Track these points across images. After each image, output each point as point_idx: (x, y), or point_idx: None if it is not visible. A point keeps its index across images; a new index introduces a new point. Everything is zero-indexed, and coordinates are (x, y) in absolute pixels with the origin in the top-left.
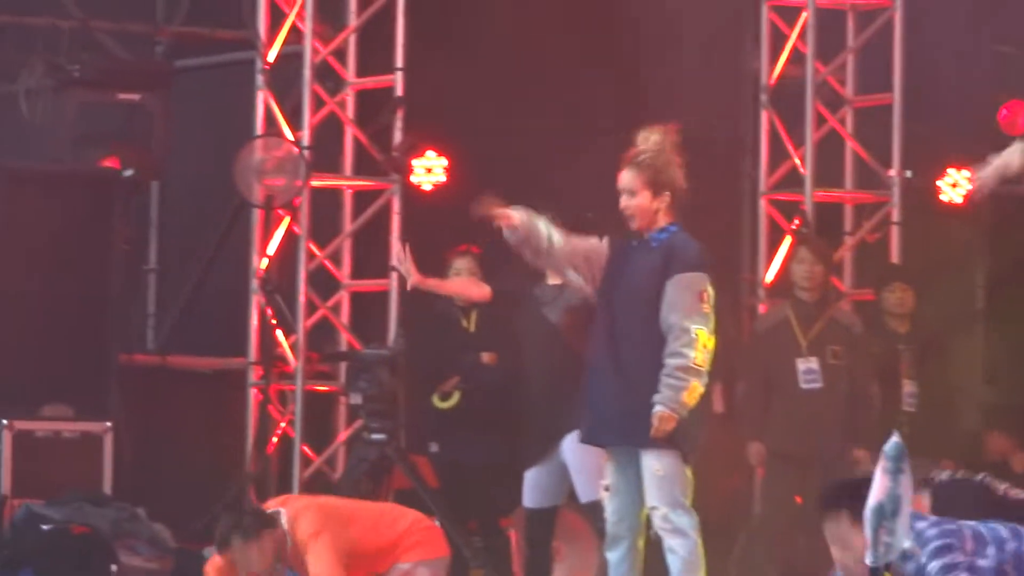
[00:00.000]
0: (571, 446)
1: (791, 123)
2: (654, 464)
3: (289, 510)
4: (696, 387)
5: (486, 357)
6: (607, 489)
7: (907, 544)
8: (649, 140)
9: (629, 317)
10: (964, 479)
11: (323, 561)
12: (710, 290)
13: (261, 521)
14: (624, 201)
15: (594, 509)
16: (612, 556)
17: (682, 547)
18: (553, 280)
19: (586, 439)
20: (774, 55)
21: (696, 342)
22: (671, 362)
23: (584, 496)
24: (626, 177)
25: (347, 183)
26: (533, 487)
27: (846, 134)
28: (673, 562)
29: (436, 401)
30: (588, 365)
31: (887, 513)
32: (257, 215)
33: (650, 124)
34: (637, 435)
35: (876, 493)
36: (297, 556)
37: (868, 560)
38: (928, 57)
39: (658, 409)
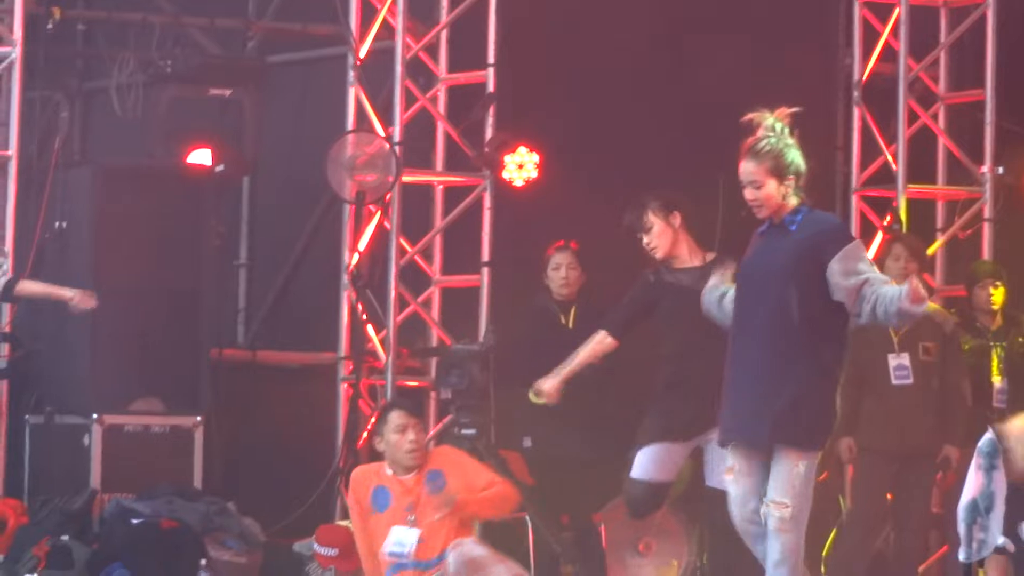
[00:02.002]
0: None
1: (883, 120)
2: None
3: None
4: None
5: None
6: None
7: None
8: (763, 125)
9: (776, 304)
10: None
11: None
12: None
13: None
14: (750, 193)
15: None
16: (759, 550)
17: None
18: (690, 262)
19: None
20: (866, 52)
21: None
22: (886, 292)
23: (711, 480)
24: (747, 168)
25: (438, 179)
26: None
27: (938, 130)
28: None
29: (532, 397)
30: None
31: (981, 510)
32: (348, 210)
33: (751, 115)
34: (764, 434)
35: (970, 490)
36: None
37: (961, 556)
38: (1020, 53)
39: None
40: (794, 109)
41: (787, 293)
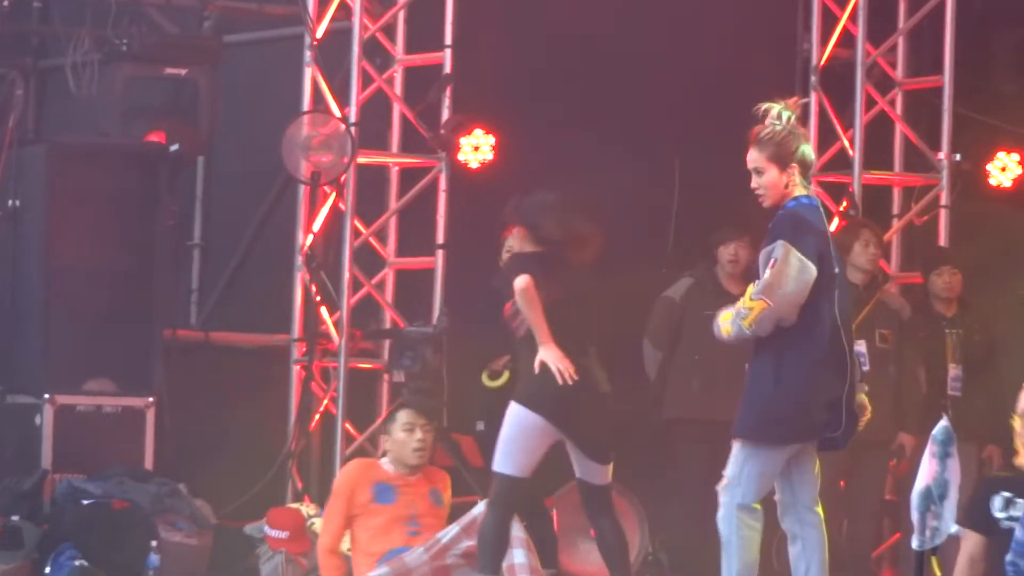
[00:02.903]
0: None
1: (840, 105)
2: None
3: None
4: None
5: None
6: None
7: None
8: (770, 114)
9: None
10: None
11: None
12: (784, 255)
13: None
14: (754, 181)
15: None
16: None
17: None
18: None
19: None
20: (824, 37)
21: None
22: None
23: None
24: (751, 155)
25: (394, 160)
26: None
27: (896, 116)
28: None
29: (485, 380)
30: None
31: (935, 497)
32: (303, 191)
33: (698, 106)
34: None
35: (924, 477)
36: None
37: (914, 544)
38: (979, 40)
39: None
40: (804, 100)
41: None
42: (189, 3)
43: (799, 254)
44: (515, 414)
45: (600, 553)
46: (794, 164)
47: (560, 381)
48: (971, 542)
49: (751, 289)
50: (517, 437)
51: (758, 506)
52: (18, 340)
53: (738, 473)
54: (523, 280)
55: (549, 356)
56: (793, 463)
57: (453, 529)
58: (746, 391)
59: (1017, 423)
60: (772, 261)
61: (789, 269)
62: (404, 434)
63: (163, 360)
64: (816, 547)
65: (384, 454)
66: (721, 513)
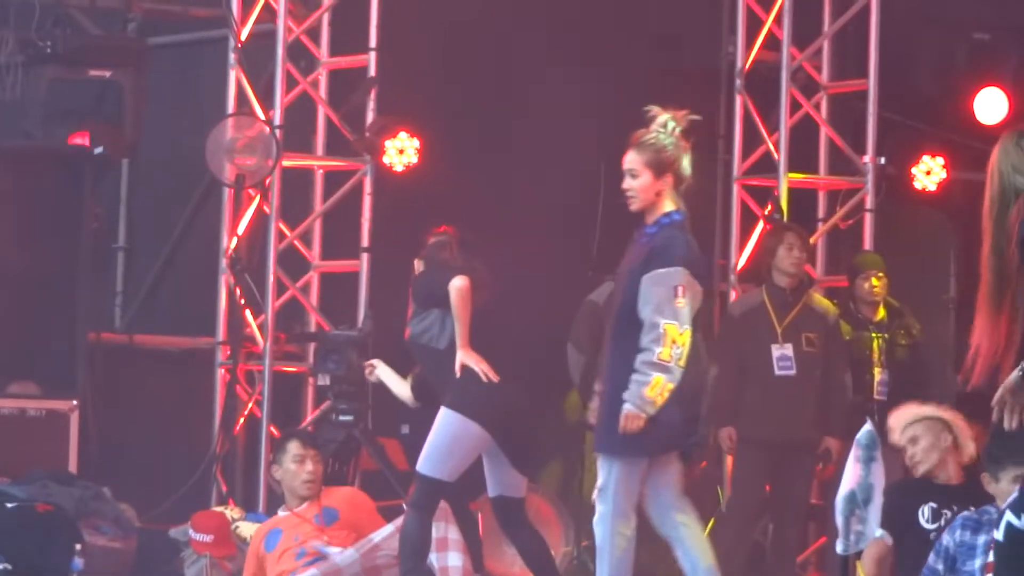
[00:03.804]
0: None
1: (765, 108)
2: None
3: None
4: (659, 381)
5: None
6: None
7: None
8: (657, 121)
9: (618, 318)
10: None
11: None
12: (688, 284)
13: None
14: (626, 182)
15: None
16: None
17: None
18: None
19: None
20: (749, 40)
21: (664, 337)
22: (638, 357)
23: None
24: (629, 158)
25: (318, 163)
26: None
27: (821, 120)
28: None
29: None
30: None
31: (859, 502)
32: (227, 194)
33: (623, 109)
34: (600, 442)
35: (848, 481)
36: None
37: (839, 548)
38: (903, 43)
39: (625, 407)
40: (693, 116)
41: (628, 304)
42: (113, 5)
43: (691, 278)
44: (449, 421)
45: (526, 565)
46: (670, 175)
47: (484, 380)
48: (881, 545)
49: (672, 327)
50: (450, 443)
51: (632, 513)
52: None
53: (607, 483)
54: (462, 279)
55: (470, 359)
56: (655, 470)
57: (387, 529)
58: (606, 406)
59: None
60: (677, 288)
61: (694, 296)
62: (295, 465)
63: (87, 363)
64: (693, 544)
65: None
66: (596, 519)
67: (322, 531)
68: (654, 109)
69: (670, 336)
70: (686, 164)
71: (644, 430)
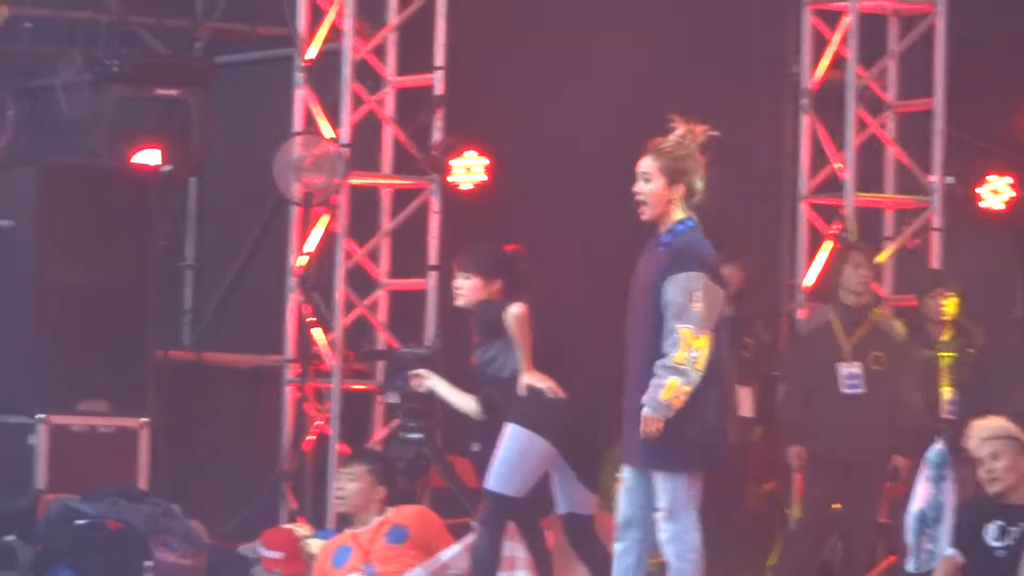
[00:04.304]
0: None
1: (832, 128)
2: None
3: None
4: (674, 384)
5: None
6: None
7: None
8: (676, 132)
9: (650, 330)
10: None
11: None
12: (707, 289)
13: None
14: (638, 186)
15: None
16: (618, 547)
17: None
18: None
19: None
20: (816, 59)
21: (680, 341)
22: (657, 363)
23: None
24: (644, 162)
25: (386, 182)
26: None
27: (887, 139)
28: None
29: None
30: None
31: (929, 520)
32: (295, 212)
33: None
34: (643, 456)
35: (918, 500)
36: None
37: (909, 567)
38: (970, 62)
39: (643, 411)
40: (713, 133)
41: (653, 313)
42: (180, 24)
43: (711, 282)
44: (516, 436)
45: None
46: (683, 185)
47: (550, 395)
48: (951, 563)
49: (687, 331)
50: (517, 459)
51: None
52: (9, 360)
53: (674, 501)
54: (518, 307)
55: (535, 379)
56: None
57: (456, 548)
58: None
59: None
60: (694, 293)
61: (714, 300)
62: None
63: (156, 381)
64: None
65: None
66: (669, 538)
67: (391, 550)
68: (676, 119)
69: (685, 340)
70: (699, 180)
71: (698, 442)
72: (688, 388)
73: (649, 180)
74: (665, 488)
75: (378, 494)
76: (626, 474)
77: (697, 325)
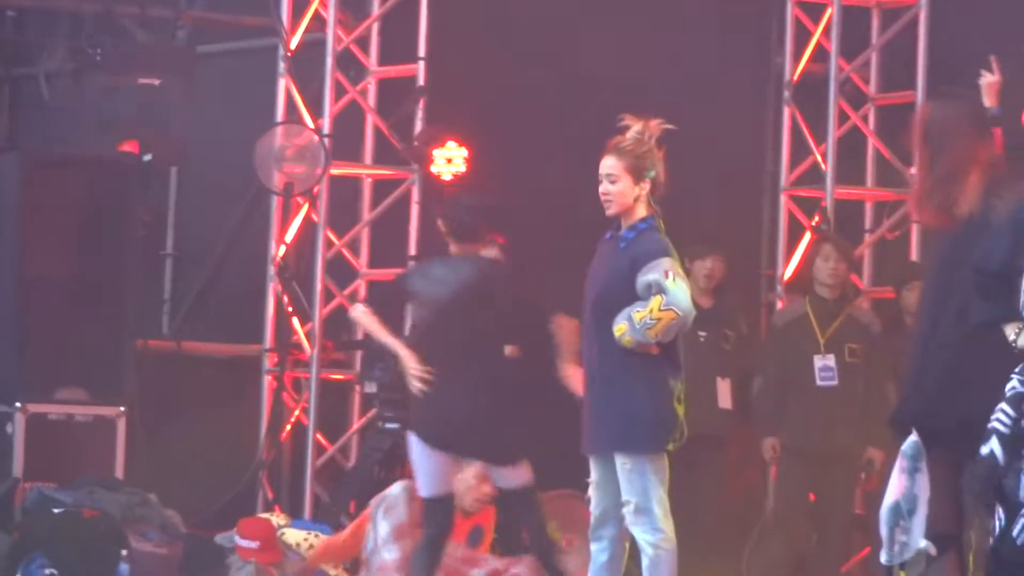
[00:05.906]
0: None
1: (813, 120)
2: (622, 459)
3: None
4: (622, 328)
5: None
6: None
7: None
8: (634, 128)
9: (600, 321)
10: None
11: None
12: (678, 269)
13: None
14: (604, 187)
15: None
16: (593, 547)
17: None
18: None
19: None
20: (798, 51)
21: (649, 304)
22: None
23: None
24: (607, 163)
25: (367, 172)
26: None
27: (868, 131)
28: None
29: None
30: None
31: (904, 512)
32: (276, 202)
33: (666, 119)
34: (602, 442)
35: (893, 492)
36: None
37: (883, 559)
38: (952, 56)
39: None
40: (668, 126)
41: (607, 300)
42: (163, 13)
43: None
44: (411, 441)
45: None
46: (647, 181)
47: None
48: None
49: (657, 301)
50: (418, 462)
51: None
52: None
53: (645, 485)
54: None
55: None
56: None
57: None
58: (601, 402)
59: None
60: (667, 273)
61: (687, 284)
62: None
63: (135, 369)
64: None
65: None
66: (644, 529)
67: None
68: (628, 118)
69: (651, 306)
70: (660, 174)
71: (655, 417)
72: (629, 339)
73: (615, 181)
74: (631, 479)
75: None
76: (593, 470)
77: (668, 295)
